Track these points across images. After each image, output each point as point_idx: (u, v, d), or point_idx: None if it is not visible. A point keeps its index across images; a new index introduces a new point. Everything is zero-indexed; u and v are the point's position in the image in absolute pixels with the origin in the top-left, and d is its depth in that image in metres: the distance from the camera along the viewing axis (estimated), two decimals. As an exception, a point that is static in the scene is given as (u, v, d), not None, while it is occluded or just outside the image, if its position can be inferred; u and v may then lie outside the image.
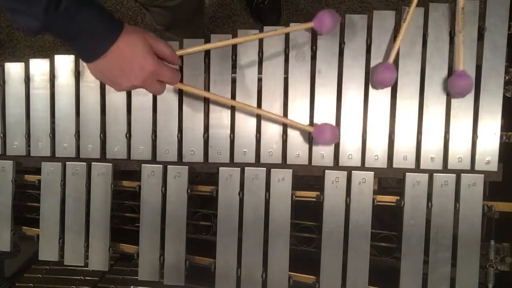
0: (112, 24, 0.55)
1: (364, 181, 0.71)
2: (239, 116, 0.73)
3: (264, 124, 0.73)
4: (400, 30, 0.67)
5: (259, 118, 0.73)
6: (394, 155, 0.71)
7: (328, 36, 0.70)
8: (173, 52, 0.62)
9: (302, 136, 0.72)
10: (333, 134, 0.69)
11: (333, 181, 0.72)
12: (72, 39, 0.54)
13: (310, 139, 0.72)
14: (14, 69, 0.80)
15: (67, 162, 0.79)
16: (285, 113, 0.72)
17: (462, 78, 0.66)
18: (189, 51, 0.67)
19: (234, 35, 0.72)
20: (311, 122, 0.72)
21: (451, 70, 0.69)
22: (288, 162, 0.73)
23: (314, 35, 0.71)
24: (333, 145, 0.71)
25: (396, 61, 0.69)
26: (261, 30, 0.71)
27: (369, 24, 0.70)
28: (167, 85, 0.72)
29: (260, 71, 0.73)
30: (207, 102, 0.74)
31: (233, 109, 0.73)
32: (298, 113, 0.72)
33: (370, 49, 0.70)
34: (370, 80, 0.70)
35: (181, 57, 0.73)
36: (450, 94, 0.69)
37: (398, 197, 0.72)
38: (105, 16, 0.55)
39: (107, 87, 0.76)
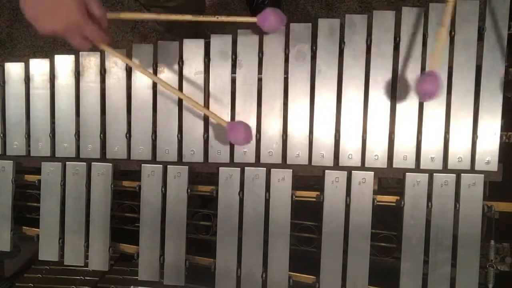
0: None
1: (364, 181, 0.71)
2: (239, 116, 0.73)
3: (264, 124, 0.73)
4: (440, 33, 0.63)
5: (259, 118, 0.73)
6: (394, 155, 0.71)
7: (328, 36, 0.70)
8: (104, 13, 0.62)
9: (302, 136, 0.72)
10: (245, 134, 0.67)
11: (333, 181, 0.72)
12: None
13: (310, 139, 0.72)
14: (14, 69, 0.80)
15: (67, 162, 0.79)
16: (285, 113, 0.72)
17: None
18: (123, 16, 0.66)
19: (234, 35, 0.72)
20: (311, 122, 0.72)
21: (451, 70, 0.69)
22: (288, 162, 0.73)
23: (314, 35, 0.71)
24: (333, 145, 0.71)
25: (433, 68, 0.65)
26: (261, 30, 0.72)
27: (369, 24, 0.70)
28: (165, 90, 0.72)
29: (260, 71, 0.73)
30: (207, 102, 0.74)
31: (233, 109, 0.73)
32: (299, 112, 0.72)
33: (370, 49, 0.70)
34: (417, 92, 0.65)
35: (181, 57, 0.74)
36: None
37: (398, 197, 0.72)
38: None
39: (107, 88, 0.76)
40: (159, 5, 1.00)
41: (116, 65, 0.76)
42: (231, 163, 0.74)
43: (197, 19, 0.66)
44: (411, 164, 0.70)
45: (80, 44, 0.63)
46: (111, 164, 0.77)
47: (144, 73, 0.70)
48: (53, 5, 0.57)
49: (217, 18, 0.66)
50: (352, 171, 0.71)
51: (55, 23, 0.59)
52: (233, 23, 0.67)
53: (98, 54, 0.77)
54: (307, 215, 0.78)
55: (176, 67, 0.74)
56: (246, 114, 0.73)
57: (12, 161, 0.81)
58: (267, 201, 0.73)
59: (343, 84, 0.71)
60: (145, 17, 0.66)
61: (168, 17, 0.66)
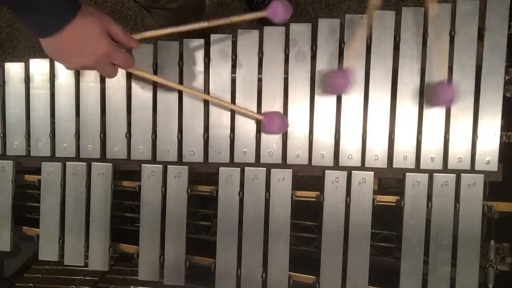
0: (70, 2, 0.53)
1: (364, 181, 0.71)
2: (239, 116, 0.73)
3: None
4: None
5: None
6: (394, 155, 0.71)
7: (328, 36, 0.70)
8: (128, 35, 0.61)
9: (302, 136, 0.72)
10: (282, 122, 0.70)
11: (333, 181, 0.72)
12: (26, 11, 0.52)
13: (310, 139, 0.72)
14: (14, 69, 0.80)
15: (67, 162, 0.79)
16: (285, 113, 0.72)
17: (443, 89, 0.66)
18: (147, 35, 0.66)
19: (234, 35, 0.72)
20: (311, 122, 0.72)
21: (451, 70, 0.69)
22: (288, 162, 0.73)
23: (314, 35, 0.71)
24: (333, 145, 0.71)
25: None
26: (261, 30, 0.72)
27: (369, 24, 0.70)
28: (166, 87, 0.72)
29: (260, 71, 0.73)
30: (207, 102, 0.74)
31: (233, 109, 0.73)
32: (299, 112, 0.72)
33: (370, 49, 0.70)
34: (324, 84, 0.70)
35: (181, 57, 0.74)
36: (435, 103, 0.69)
37: (398, 197, 0.72)
38: None
39: (107, 88, 0.76)
40: (160, 6, 1.00)
41: (116, 65, 0.76)
42: (231, 163, 0.74)
43: (212, 25, 0.66)
44: (411, 164, 0.70)
45: (110, 73, 0.62)
46: (111, 164, 0.77)
47: (186, 90, 0.72)
48: (78, 43, 0.56)
49: (231, 20, 0.66)
50: (352, 171, 0.71)
51: (84, 59, 0.57)
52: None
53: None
54: (307, 215, 0.78)
55: (176, 67, 0.74)
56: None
57: (12, 161, 0.81)
58: (267, 201, 0.73)
59: (343, 84, 0.71)
60: (167, 32, 0.66)
61: (187, 27, 0.66)
